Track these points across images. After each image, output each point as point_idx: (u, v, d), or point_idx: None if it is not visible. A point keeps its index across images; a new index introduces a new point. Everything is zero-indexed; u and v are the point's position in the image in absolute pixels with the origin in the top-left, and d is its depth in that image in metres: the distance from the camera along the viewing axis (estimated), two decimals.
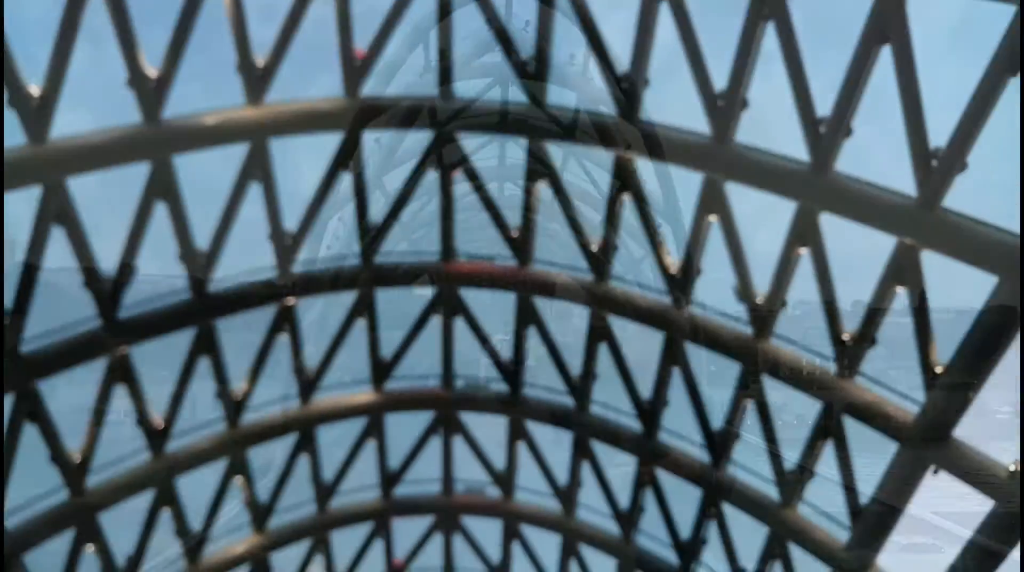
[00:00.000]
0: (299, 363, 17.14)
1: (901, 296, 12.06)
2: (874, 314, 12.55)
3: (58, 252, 13.88)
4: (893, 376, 13.47)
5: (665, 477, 17.58)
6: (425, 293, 16.68)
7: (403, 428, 19.08)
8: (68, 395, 15.65)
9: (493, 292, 17.06)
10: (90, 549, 16.50)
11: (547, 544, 19.99)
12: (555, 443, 18.73)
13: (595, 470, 18.45)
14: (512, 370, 17.77)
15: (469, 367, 18.49)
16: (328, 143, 14.92)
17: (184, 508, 17.55)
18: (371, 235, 15.81)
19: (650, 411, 16.85)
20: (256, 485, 18.21)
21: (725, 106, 12.57)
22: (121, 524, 17.01)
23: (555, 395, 17.94)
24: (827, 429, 14.35)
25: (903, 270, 11.79)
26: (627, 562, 18.96)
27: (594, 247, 15.49)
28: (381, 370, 17.85)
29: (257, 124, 13.87)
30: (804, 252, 13.22)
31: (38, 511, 15.27)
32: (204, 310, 15.36)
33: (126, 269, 14.36)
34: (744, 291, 14.29)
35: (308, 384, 17.47)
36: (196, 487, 17.78)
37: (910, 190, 11.19)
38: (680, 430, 17.07)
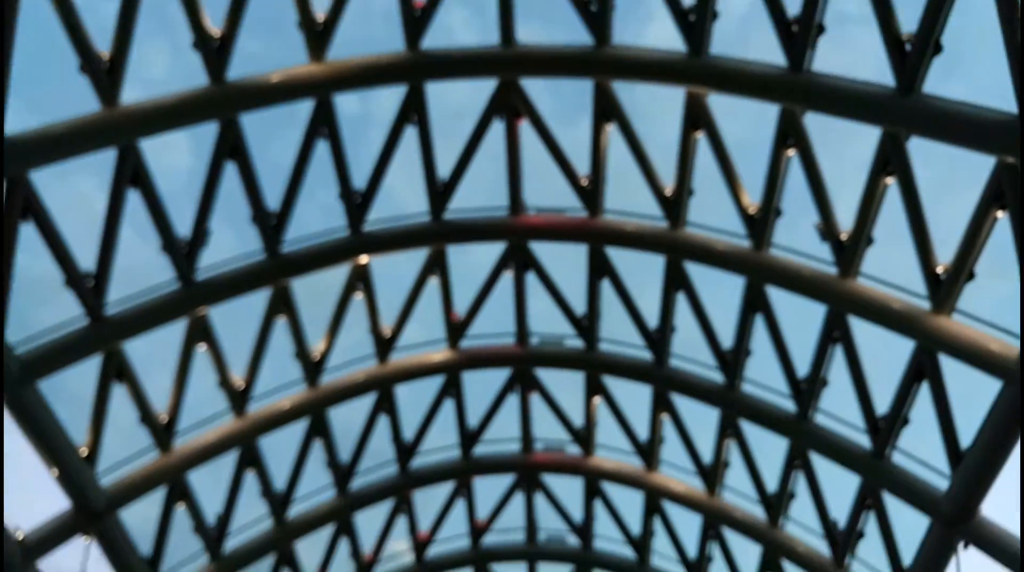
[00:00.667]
0: (374, 322, 17.17)
1: (1003, 221, 11.24)
2: (971, 244, 11.75)
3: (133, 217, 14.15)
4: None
5: (750, 429, 17.06)
6: None
7: (480, 386, 19.01)
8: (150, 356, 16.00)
9: (564, 244, 16.70)
10: (181, 508, 17.03)
11: (629, 501, 19.74)
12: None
13: (676, 424, 18.04)
14: (587, 325, 17.46)
15: (543, 323, 18.26)
16: (393, 96, 14.81)
17: (268, 469, 17.90)
18: (439, 190, 15.63)
19: (732, 361, 16.32)
20: (337, 446, 18.42)
21: (799, 31, 11.88)
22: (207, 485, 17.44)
23: (633, 349, 17.56)
24: (921, 371, 13.61)
25: (1003, 191, 10.96)
26: (713, 517, 18.54)
27: (668, 192, 14.98)
28: (456, 329, 17.77)
29: (321, 78, 13.80)
30: (891, 182, 12.46)
31: (131, 469, 15.71)
32: (279, 270, 15.45)
33: (201, 231, 14.53)
34: (828, 229, 13.61)
35: (384, 343, 17.50)
36: (279, 447, 18.09)
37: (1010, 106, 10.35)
38: (764, 380, 16.52)
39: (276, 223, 15.06)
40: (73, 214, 14.47)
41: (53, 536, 14.70)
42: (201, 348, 15.72)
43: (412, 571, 21.05)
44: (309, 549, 19.82)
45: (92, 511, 14.92)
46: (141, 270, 15.44)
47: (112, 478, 15.48)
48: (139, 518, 16.77)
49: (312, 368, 17.11)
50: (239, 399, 16.67)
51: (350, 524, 19.57)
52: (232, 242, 16.34)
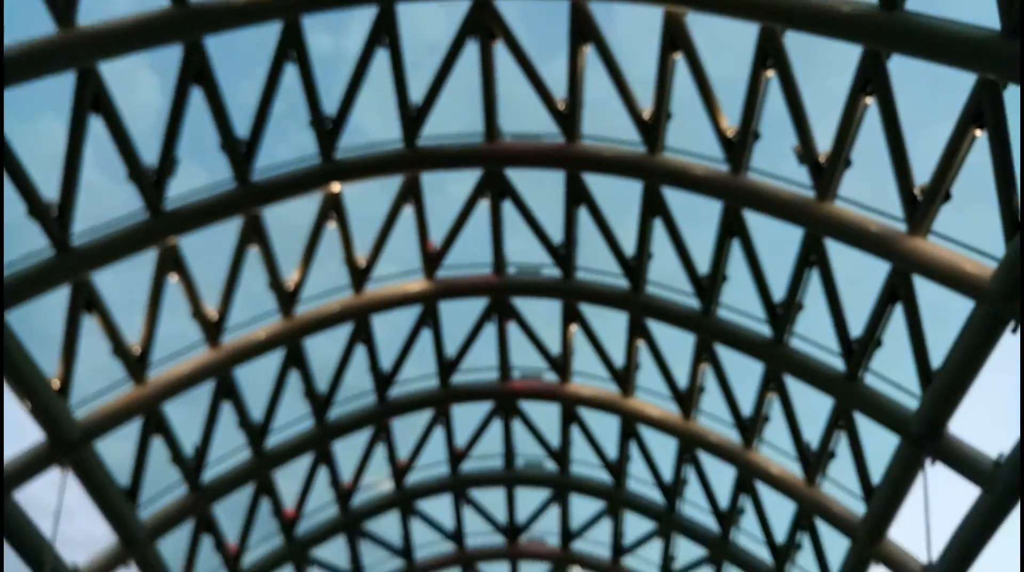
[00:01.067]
0: (348, 253, 16.96)
1: (981, 142, 11.18)
2: (949, 164, 11.71)
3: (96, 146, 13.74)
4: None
5: (726, 354, 17.21)
6: None
7: (458, 316, 18.97)
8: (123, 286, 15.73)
9: (541, 171, 16.48)
10: (158, 440, 16.98)
11: (606, 426, 19.98)
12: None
13: (652, 350, 18.16)
14: (564, 254, 17.37)
15: (520, 253, 18.15)
16: (363, 17, 14.33)
17: (244, 401, 17.85)
18: (412, 115, 15.28)
19: (709, 287, 16.35)
20: (314, 377, 18.38)
21: None
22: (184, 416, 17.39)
23: (610, 277, 17.55)
24: (895, 293, 13.71)
25: (983, 110, 10.87)
26: (688, 441, 18.84)
27: (646, 115, 14.75)
28: (432, 259, 17.61)
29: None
30: (870, 102, 12.34)
31: (105, 401, 15.58)
32: (250, 198, 15.13)
33: (168, 159, 14.14)
34: (806, 152, 13.51)
35: (359, 273, 17.33)
36: (255, 379, 18.02)
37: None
38: (740, 305, 16.60)
39: (246, 151, 14.68)
40: (39, 154, 14.04)
41: (28, 467, 14.62)
42: (173, 278, 15.47)
43: (392, 498, 21.29)
44: (288, 478, 19.98)
45: (66, 442, 14.82)
46: (110, 209, 15.06)
47: (86, 410, 15.35)
48: (116, 456, 16.73)
49: (286, 298, 16.94)
50: (213, 330, 16.51)
51: (329, 453, 19.67)
52: (202, 177, 16.00)
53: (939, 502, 14.36)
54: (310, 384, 18.39)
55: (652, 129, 14.79)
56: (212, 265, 16.63)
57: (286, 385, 18.11)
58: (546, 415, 20.42)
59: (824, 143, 13.39)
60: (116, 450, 16.65)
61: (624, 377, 18.97)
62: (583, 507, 21.96)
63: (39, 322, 15.05)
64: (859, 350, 14.71)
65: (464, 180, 16.85)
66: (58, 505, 14.94)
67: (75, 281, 14.19)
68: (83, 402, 15.40)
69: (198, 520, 18.62)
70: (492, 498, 22.23)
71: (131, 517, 16.93)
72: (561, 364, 19.39)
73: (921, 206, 12.39)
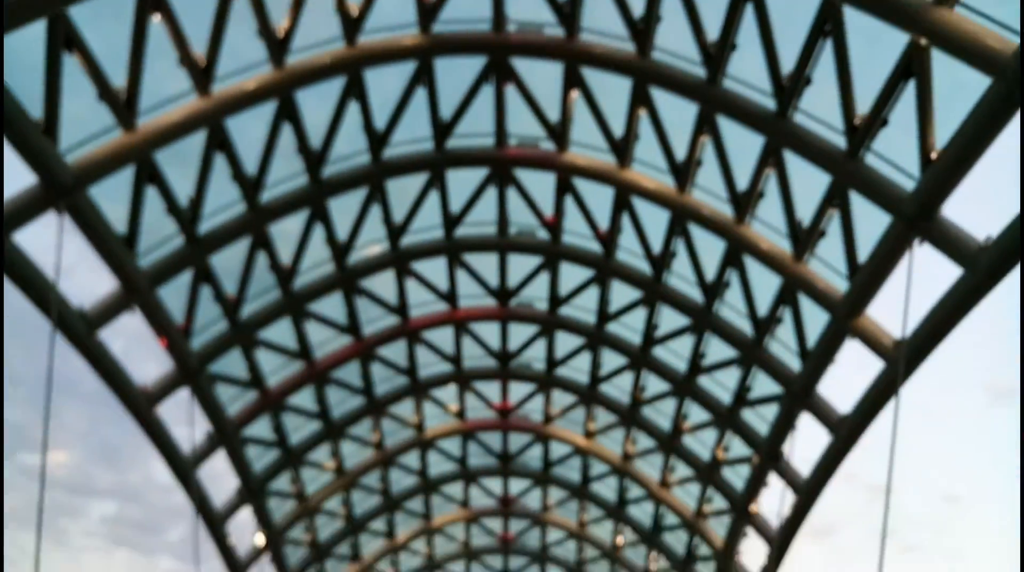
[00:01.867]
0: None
1: None
2: None
3: None
4: None
5: (727, 127, 16.84)
6: None
7: (454, 76, 18.30)
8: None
9: None
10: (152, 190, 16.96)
11: (600, 197, 19.94)
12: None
13: (653, 120, 17.75)
14: (569, 11, 16.50)
15: (521, 9, 17.20)
16: None
17: (237, 154, 17.65)
18: None
19: (716, 55, 15.68)
20: (307, 132, 18.07)
21: None
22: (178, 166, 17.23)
23: (616, 40, 16.78)
24: (910, 68, 13.16)
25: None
26: (681, 214, 18.89)
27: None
28: (428, 11, 16.73)
29: None
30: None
31: (96, 147, 15.36)
32: None
33: None
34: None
35: (352, 23, 16.53)
36: (248, 134, 17.69)
37: None
38: (747, 76, 16.00)
39: None
40: None
41: (22, 210, 14.64)
42: (155, 19, 14.73)
43: (387, 258, 21.68)
44: (285, 242, 20.19)
45: (60, 186, 14.77)
46: None
47: (76, 156, 15.17)
48: (112, 217, 16.64)
49: (276, 47, 16.27)
50: (202, 78, 15.99)
51: (324, 210, 19.76)
52: None
53: (918, 289, 14.63)
54: (303, 139, 18.12)
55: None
56: (198, 12, 15.79)
57: (279, 139, 17.84)
58: (541, 184, 20.32)
59: None
60: (111, 212, 16.62)
61: (622, 148, 18.69)
62: (572, 275, 22.46)
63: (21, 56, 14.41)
64: (863, 127, 14.36)
65: None
66: (57, 248, 15.11)
67: (51, 14, 13.44)
68: (73, 148, 15.18)
69: (196, 270, 19.04)
70: (485, 262, 22.67)
71: (131, 264, 17.28)
72: (559, 132, 19.03)
73: None
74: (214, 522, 23.95)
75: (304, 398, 24.37)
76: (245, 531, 26.34)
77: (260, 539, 26.39)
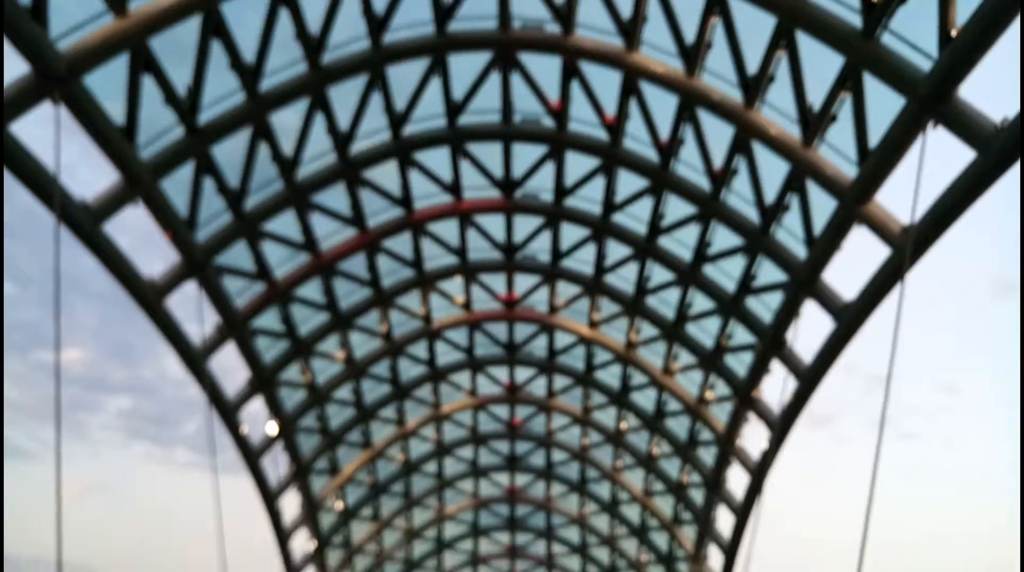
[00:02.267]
0: None
1: None
2: None
3: None
4: None
5: (738, 5, 16.26)
6: None
7: None
8: None
9: None
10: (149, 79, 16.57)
11: (607, 82, 19.47)
12: None
13: (662, 0, 17.14)
14: None
15: None
16: None
17: (235, 41, 17.16)
18: None
19: None
20: (305, 16, 17.51)
21: None
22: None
23: None
24: None
25: None
26: (689, 99, 18.49)
27: None
28: None
29: None
30: None
31: (88, 33, 14.92)
32: None
33: None
34: None
35: None
36: (243, 18, 17.15)
37: None
38: None
39: None
40: None
41: (18, 99, 14.34)
42: None
43: (389, 147, 21.39)
44: (286, 127, 19.85)
45: (54, 75, 14.42)
46: None
47: (69, 42, 14.75)
48: (110, 113, 16.25)
49: None
50: None
51: (325, 98, 19.36)
52: None
53: (927, 178, 14.37)
54: (302, 25, 17.58)
55: None
56: None
57: (276, 25, 17.31)
58: (546, 69, 19.80)
59: None
60: (109, 108, 16.25)
61: (630, 30, 18.12)
62: (578, 164, 22.18)
63: None
64: (881, 3, 13.84)
65: None
66: (56, 138, 14.89)
67: None
68: (64, 35, 14.74)
69: (198, 162, 18.83)
70: (489, 152, 22.36)
71: (131, 154, 17.06)
72: (565, 13, 18.41)
73: None
74: (227, 413, 24.52)
75: (311, 290, 24.56)
76: (258, 421, 27.04)
77: (273, 428, 27.07)
